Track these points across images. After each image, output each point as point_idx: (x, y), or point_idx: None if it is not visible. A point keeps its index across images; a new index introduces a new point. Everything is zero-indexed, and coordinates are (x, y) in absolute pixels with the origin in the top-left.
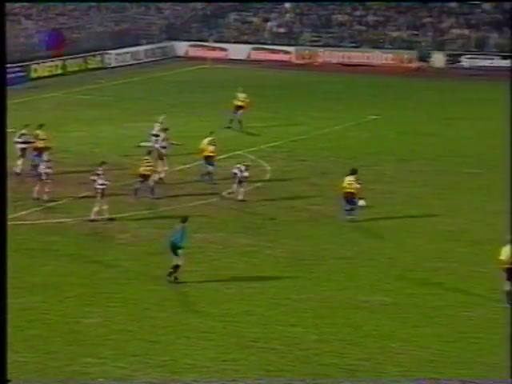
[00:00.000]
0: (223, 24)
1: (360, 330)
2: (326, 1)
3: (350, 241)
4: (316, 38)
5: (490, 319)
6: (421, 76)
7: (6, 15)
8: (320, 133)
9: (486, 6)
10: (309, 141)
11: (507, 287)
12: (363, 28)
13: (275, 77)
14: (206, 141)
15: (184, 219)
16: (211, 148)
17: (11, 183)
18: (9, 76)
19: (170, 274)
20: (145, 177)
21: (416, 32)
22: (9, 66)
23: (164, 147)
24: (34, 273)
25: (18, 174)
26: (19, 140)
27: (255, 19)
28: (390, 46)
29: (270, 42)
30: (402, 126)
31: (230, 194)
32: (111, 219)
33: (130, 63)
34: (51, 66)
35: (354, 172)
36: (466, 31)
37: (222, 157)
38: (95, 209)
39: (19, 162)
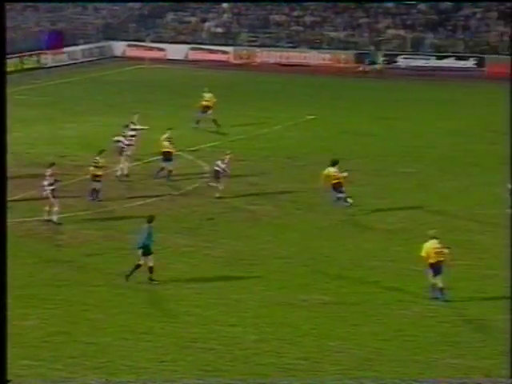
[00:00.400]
0: (161, 24)
1: (299, 329)
2: (266, 1)
3: (288, 240)
4: (254, 38)
5: (425, 317)
6: (357, 76)
7: None
8: (259, 133)
9: (422, 6)
10: (247, 141)
11: (433, 281)
12: (301, 28)
13: (213, 77)
14: (162, 137)
15: (150, 219)
16: (167, 144)
17: None
18: None
19: (128, 276)
20: (99, 177)
21: (353, 32)
22: None
23: (128, 144)
24: None
25: None
26: None
27: (193, 19)
28: (327, 47)
29: (207, 42)
30: (339, 125)
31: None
32: (48, 220)
33: (67, 63)
34: None
35: (335, 163)
36: (402, 32)
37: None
38: (47, 208)
39: None
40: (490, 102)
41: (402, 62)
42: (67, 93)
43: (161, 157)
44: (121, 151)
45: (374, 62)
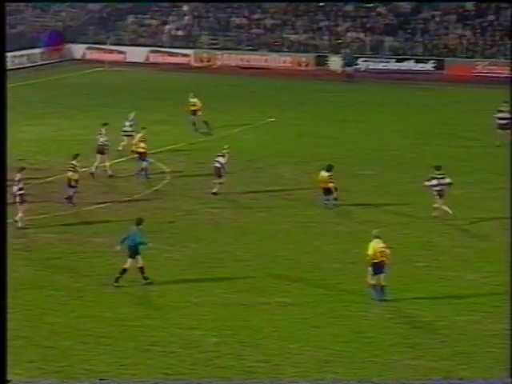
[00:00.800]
0: (121, 26)
1: (259, 332)
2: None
3: (248, 243)
4: (214, 41)
5: (384, 319)
6: (317, 79)
7: None
8: (219, 135)
9: (382, 9)
10: (208, 143)
11: (372, 281)
12: (261, 31)
13: (173, 80)
14: (136, 137)
15: (138, 222)
16: (142, 144)
17: None
18: None
19: (117, 280)
20: (71, 182)
21: (313, 35)
22: None
23: (107, 143)
24: None
25: None
26: None
27: (153, 22)
28: (287, 50)
29: (168, 44)
30: (300, 128)
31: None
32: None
33: (26, 66)
34: None
35: (329, 168)
36: (362, 34)
37: (119, 160)
38: (20, 215)
39: None
40: (449, 104)
41: (361, 64)
42: (26, 96)
43: (136, 157)
44: (102, 150)
45: (349, 64)
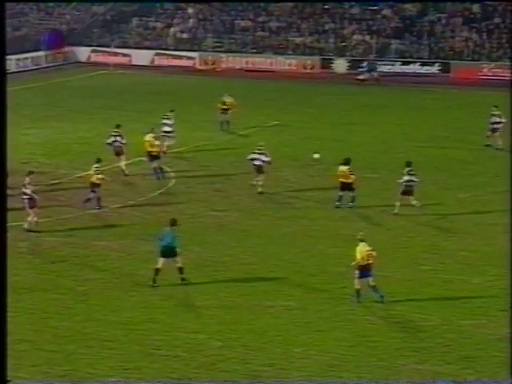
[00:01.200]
0: (125, 29)
1: (264, 336)
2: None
3: (252, 247)
4: (219, 44)
5: (390, 322)
6: (323, 82)
7: None
8: (223, 138)
9: (388, 12)
10: (212, 146)
11: (358, 286)
12: (266, 34)
13: (178, 82)
14: (148, 137)
15: (173, 222)
16: (157, 143)
17: None
18: None
19: (154, 281)
20: (96, 186)
21: (318, 38)
22: None
23: (123, 143)
24: None
25: None
26: None
27: (158, 24)
28: (292, 52)
29: (173, 47)
30: (305, 131)
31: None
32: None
33: (30, 68)
34: None
35: (346, 162)
36: (368, 37)
37: (124, 163)
38: (29, 218)
39: None
40: (456, 107)
41: (364, 69)
42: (29, 99)
43: (147, 157)
44: (119, 151)
45: (371, 70)
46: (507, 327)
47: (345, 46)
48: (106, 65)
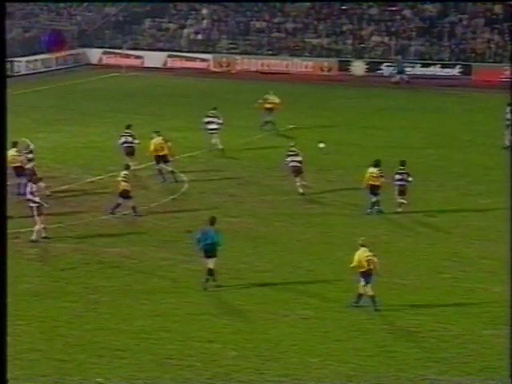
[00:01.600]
0: (138, 31)
1: (279, 346)
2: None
3: (268, 254)
4: (234, 45)
5: (410, 332)
6: (340, 84)
7: None
8: (238, 142)
9: (407, 12)
10: (227, 151)
11: (363, 291)
12: (282, 35)
13: (192, 85)
14: (156, 141)
15: (212, 221)
16: (167, 145)
17: None
18: None
19: (206, 280)
20: (127, 193)
21: (336, 39)
22: None
23: (134, 143)
24: None
25: None
26: None
27: (171, 26)
28: (309, 54)
29: (186, 49)
30: (321, 135)
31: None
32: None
33: (40, 71)
34: None
35: (376, 164)
36: (386, 39)
37: (135, 168)
38: (36, 227)
39: None
40: (477, 110)
41: (385, 69)
42: (39, 102)
43: (158, 161)
44: (130, 151)
45: (401, 72)
46: None
47: (363, 47)
48: (117, 67)
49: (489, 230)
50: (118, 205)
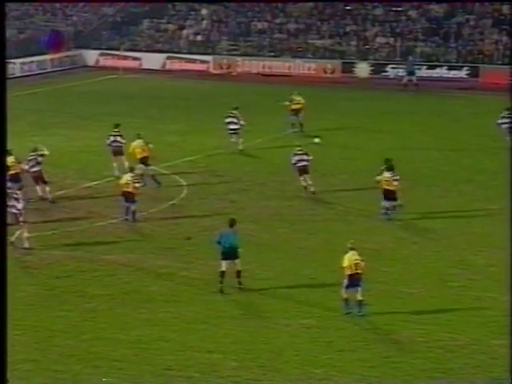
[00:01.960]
0: (136, 31)
1: (281, 356)
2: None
3: (269, 261)
4: (234, 47)
5: (415, 342)
6: (344, 87)
7: None
8: (239, 147)
9: (413, 13)
10: (227, 155)
11: (345, 295)
12: (284, 36)
13: (191, 88)
14: (137, 144)
15: (232, 223)
16: (146, 148)
17: None
18: None
19: (221, 282)
20: (133, 196)
21: (339, 40)
22: None
23: (122, 143)
24: None
25: None
26: None
27: (170, 26)
28: (311, 56)
29: (185, 50)
30: (324, 139)
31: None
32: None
33: (35, 73)
34: None
35: (390, 168)
36: (391, 40)
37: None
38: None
39: None
40: (485, 113)
41: (390, 71)
42: (35, 104)
43: (140, 164)
44: (118, 151)
45: (411, 73)
46: None
47: (367, 48)
48: (115, 69)
49: (496, 236)
50: (128, 208)
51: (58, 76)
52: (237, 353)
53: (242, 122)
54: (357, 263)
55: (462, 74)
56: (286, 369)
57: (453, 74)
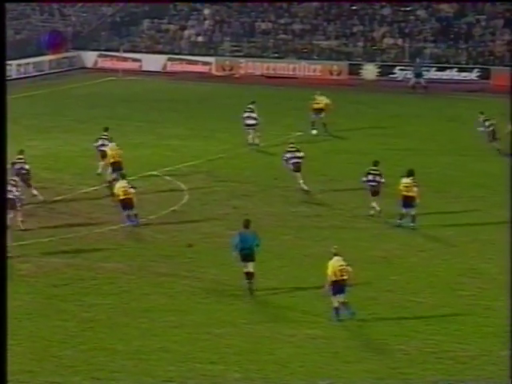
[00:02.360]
0: (136, 32)
1: (286, 367)
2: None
3: (273, 269)
4: (237, 48)
5: (424, 353)
6: (350, 89)
7: None
8: (241, 151)
9: (422, 13)
10: (229, 160)
11: (336, 303)
12: (289, 37)
13: (193, 90)
14: (113, 147)
15: (247, 223)
16: (121, 152)
17: None
18: None
19: (249, 282)
20: (131, 202)
21: (346, 41)
22: None
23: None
24: None
25: None
26: None
27: (171, 27)
28: (317, 57)
29: (187, 51)
30: (330, 143)
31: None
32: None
33: (32, 75)
34: None
35: (410, 173)
36: (400, 41)
37: (132, 178)
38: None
39: None
40: (496, 116)
41: (398, 73)
42: (31, 108)
43: (112, 168)
44: (105, 154)
45: (419, 75)
46: None
47: (375, 50)
48: (114, 71)
49: (508, 243)
50: (129, 216)
51: (55, 78)
52: (240, 364)
53: (257, 117)
54: (342, 269)
55: (473, 75)
56: (291, 381)
57: (463, 75)
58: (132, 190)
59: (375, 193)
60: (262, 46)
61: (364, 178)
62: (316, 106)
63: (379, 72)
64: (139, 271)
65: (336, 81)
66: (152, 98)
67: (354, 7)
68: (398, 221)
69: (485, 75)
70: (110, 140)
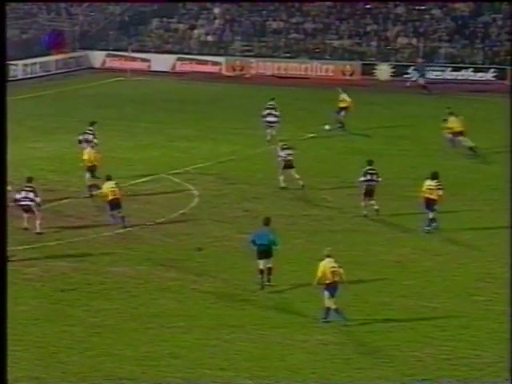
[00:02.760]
0: (144, 31)
1: (297, 374)
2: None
3: (284, 274)
4: (248, 48)
5: (439, 359)
6: (364, 89)
7: None
8: (252, 153)
9: (437, 12)
10: (240, 162)
11: (329, 304)
12: (301, 36)
13: (203, 90)
14: (90, 150)
15: (267, 221)
16: (97, 156)
17: None
18: None
19: (263, 282)
20: (118, 201)
21: (359, 41)
22: None
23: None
24: None
25: None
26: None
27: (180, 26)
28: (329, 57)
29: (196, 51)
30: (343, 144)
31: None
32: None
33: (39, 75)
34: None
35: (434, 176)
36: (414, 40)
37: (140, 180)
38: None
39: None
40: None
41: (413, 73)
42: (38, 108)
43: (89, 172)
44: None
45: (422, 76)
46: None
47: (388, 49)
48: (122, 71)
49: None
50: (118, 217)
51: (62, 78)
52: (250, 370)
53: (278, 114)
54: (333, 271)
55: (489, 76)
56: None
57: (479, 76)
58: (119, 190)
59: (371, 192)
60: (273, 45)
61: (363, 178)
62: (342, 104)
63: (393, 72)
64: (147, 276)
65: (349, 81)
66: (161, 98)
67: (367, 6)
68: (426, 227)
69: (501, 75)
70: (94, 135)
